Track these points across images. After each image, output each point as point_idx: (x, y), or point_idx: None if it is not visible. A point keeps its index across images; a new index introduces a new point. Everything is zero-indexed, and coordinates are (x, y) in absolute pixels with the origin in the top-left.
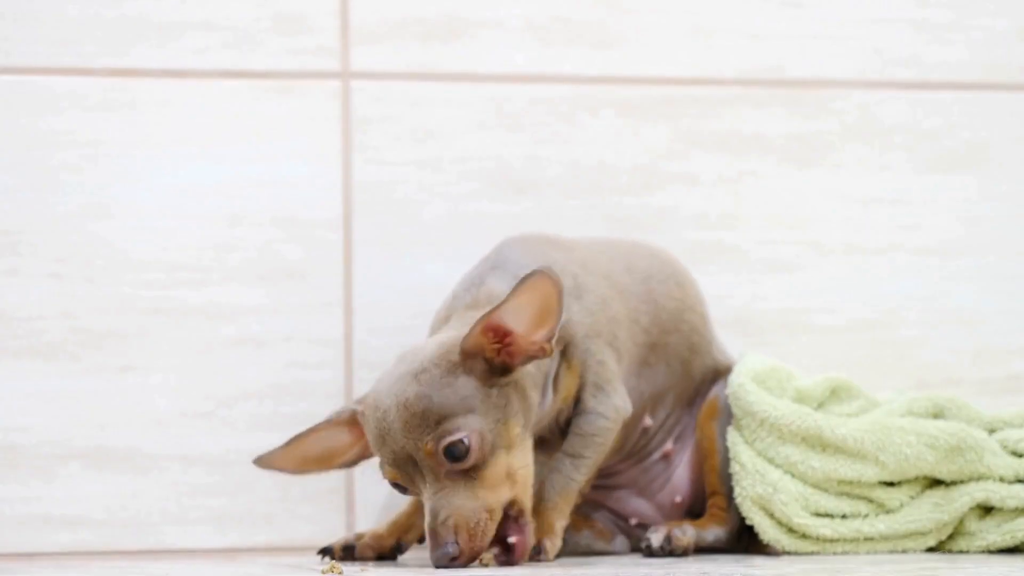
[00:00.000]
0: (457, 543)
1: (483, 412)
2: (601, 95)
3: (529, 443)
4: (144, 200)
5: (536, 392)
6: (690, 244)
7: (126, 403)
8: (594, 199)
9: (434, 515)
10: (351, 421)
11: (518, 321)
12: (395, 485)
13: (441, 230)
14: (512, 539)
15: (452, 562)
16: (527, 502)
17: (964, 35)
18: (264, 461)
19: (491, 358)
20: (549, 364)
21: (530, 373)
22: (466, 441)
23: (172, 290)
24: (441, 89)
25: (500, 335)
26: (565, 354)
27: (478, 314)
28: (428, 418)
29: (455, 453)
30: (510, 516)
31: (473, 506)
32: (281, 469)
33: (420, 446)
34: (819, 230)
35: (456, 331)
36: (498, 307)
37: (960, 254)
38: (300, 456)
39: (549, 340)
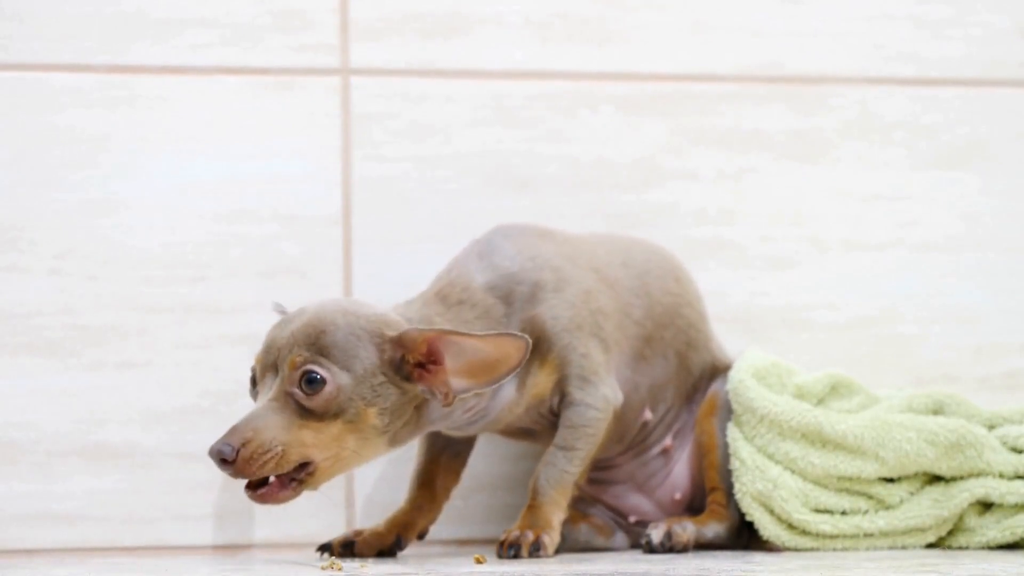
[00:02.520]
0: (236, 452)
1: (357, 382)
2: (600, 91)
3: (376, 444)
4: (144, 196)
5: (434, 415)
6: (689, 240)
7: (126, 399)
8: (593, 195)
9: (246, 417)
10: None
11: (458, 358)
12: (252, 377)
13: (441, 226)
14: (272, 479)
15: (222, 463)
16: (322, 477)
17: (963, 31)
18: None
19: (408, 361)
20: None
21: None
22: (327, 383)
23: (172, 286)
24: (441, 85)
25: (432, 357)
26: (536, 352)
27: (441, 310)
28: (317, 341)
29: (310, 380)
30: (295, 471)
31: (279, 435)
32: None
33: (291, 354)
34: (819, 226)
35: (412, 314)
36: (458, 336)
37: (960, 250)
38: None
39: (455, 395)
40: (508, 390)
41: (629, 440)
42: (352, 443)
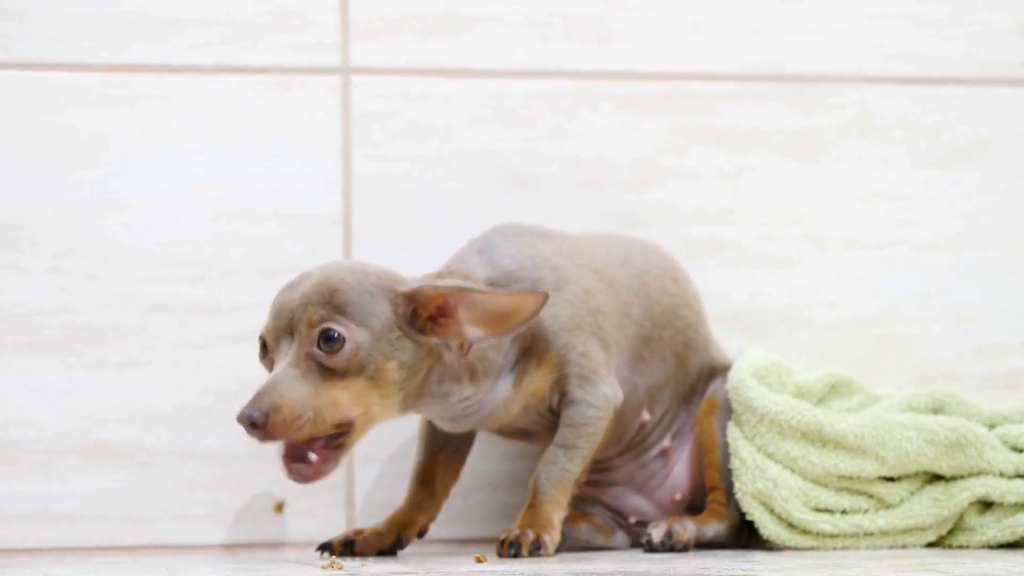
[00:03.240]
0: (266, 416)
1: (375, 338)
2: (600, 90)
3: (393, 401)
4: (144, 196)
5: (443, 384)
6: (689, 240)
7: (126, 398)
8: (593, 194)
9: (270, 382)
10: None
11: (472, 309)
12: (262, 345)
13: (441, 225)
14: (313, 456)
15: (251, 428)
16: (357, 436)
17: (963, 30)
18: None
19: (421, 315)
20: (502, 359)
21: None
22: (347, 340)
23: (172, 286)
24: (441, 84)
25: (445, 311)
26: (534, 350)
27: (449, 280)
28: (331, 300)
29: (328, 338)
30: (331, 436)
31: (308, 399)
32: None
33: (306, 314)
34: (818, 226)
35: (459, 275)
36: (472, 292)
37: (960, 250)
38: None
39: (471, 344)
40: (504, 386)
41: (627, 441)
42: (376, 399)
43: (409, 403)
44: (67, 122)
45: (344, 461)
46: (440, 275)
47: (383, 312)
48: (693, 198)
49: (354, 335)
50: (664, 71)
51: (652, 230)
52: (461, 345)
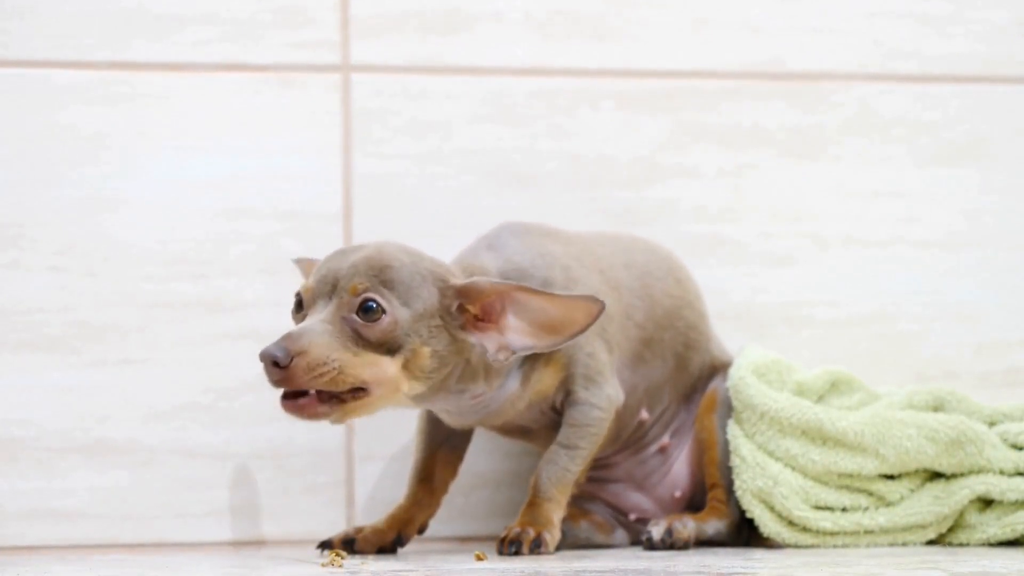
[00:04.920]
0: (291, 358)
1: (415, 319)
2: (601, 88)
3: (417, 389)
4: (144, 193)
5: (459, 371)
6: (690, 237)
7: (126, 396)
8: (594, 192)
9: (300, 328)
10: None
11: (521, 316)
12: (298, 302)
13: (441, 223)
14: (311, 392)
15: (272, 367)
16: (369, 407)
17: (964, 28)
18: (302, 263)
19: (467, 312)
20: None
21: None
22: (386, 314)
23: (173, 283)
24: (441, 82)
25: (491, 315)
26: None
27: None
28: (381, 274)
29: (368, 308)
30: (349, 392)
31: (336, 353)
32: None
33: (351, 282)
34: (819, 223)
35: (474, 268)
36: (528, 293)
37: (960, 247)
38: None
39: (513, 352)
40: (512, 383)
41: (625, 439)
42: (404, 383)
43: (428, 395)
44: (68, 120)
45: (335, 420)
46: (468, 271)
47: (429, 298)
48: (694, 196)
49: (394, 311)
50: (665, 69)
51: (653, 228)
52: (502, 351)
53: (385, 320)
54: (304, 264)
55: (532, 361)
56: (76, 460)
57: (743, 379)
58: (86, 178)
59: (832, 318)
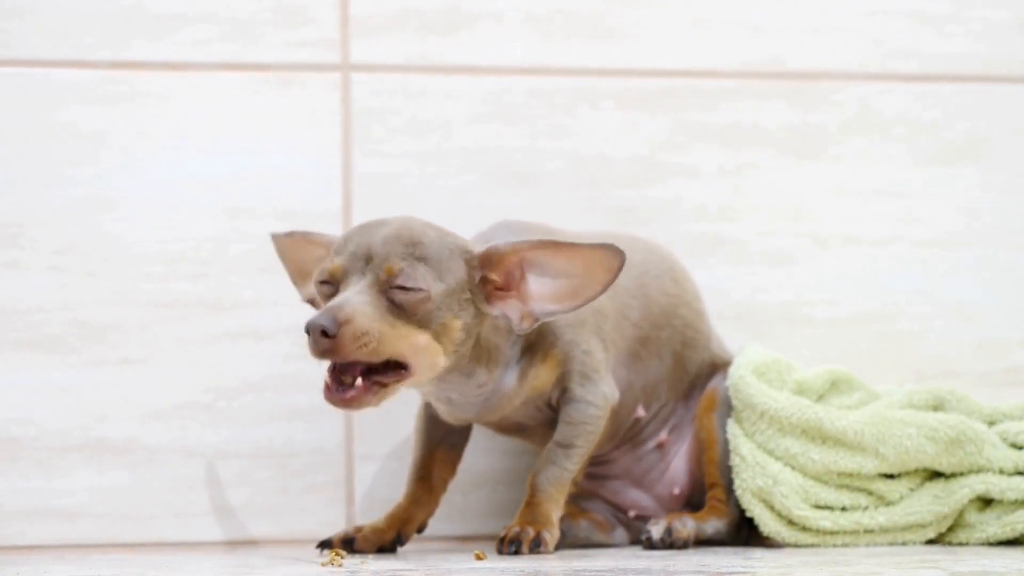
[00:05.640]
0: (338, 326)
1: (448, 293)
2: (600, 87)
3: (445, 363)
4: (144, 193)
5: (470, 348)
6: (690, 237)
7: (126, 396)
8: (594, 191)
9: (340, 299)
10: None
11: (542, 280)
12: (324, 281)
13: (441, 222)
14: (359, 383)
15: (321, 337)
16: (406, 380)
17: (964, 27)
18: (276, 238)
19: (490, 282)
20: (510, 351)
21: (489, 339)
22: (425, 288)
23: (172, 283)
24: (441, 81)
25: (509, 283)
26: (539, 344)
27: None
28: (414, 249)
29: (407, 282)
30: (379, 372)
31: (375, 323)
32: (280, 255)
33: (388, 261)
34: (819, 223)
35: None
36: (546, 248)
37: (960, 247)
38: (296, 257)
39: (537, 318)
40: (510, 378)
41: (621, 436)
42: (439, 355)
43: (450, 371)
44: (67, 119)
45: (382, 403)
46: None
47: (458, 271)
48: (693, 195)
49: (431, 285)
50: (664, 68)
51: (653, 227)
52: (526, 318)
53: (423, 294)
54: (282, 240)
55: (529, 356)
56: (76, 459)
57: (743, 378)
58: (86, 177)
59: (832, 317)
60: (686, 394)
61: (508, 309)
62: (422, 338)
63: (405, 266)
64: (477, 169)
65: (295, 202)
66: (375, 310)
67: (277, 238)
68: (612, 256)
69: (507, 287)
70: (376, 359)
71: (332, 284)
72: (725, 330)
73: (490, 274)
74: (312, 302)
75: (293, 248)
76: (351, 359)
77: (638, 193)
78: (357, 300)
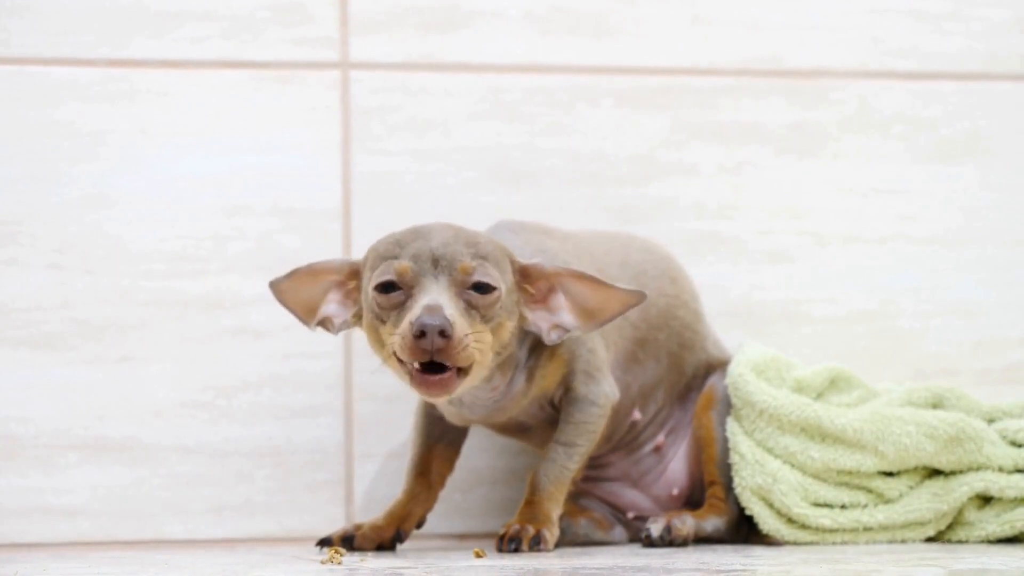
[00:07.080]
0: (452, 326)
1: (508, 294)
2: (600, 85)
3: (491, 364)
4: (143, 190)
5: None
6: (689, 234)
7: (125, 394)
8: (593, 189)
9: (433, 302)
10: (347, 276)
11: (575, 297)
12: (388, 285)
13: (440, 220)
14: (449, 367)
15: (440, 335)
16: (476, 372)
17: (963, 25)
18: (275, 285)
19: (527, 291)
20: (520, 353)
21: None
22: (497, 288)
23: (171, 281)
24: (440, 79)
25: (543, 294)
26: (545, 344)
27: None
28: (475, 248)
29: (483, 282)
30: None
31: (466, 327)
32: (283, 299)
33: (458, 260)
34: (818, 220)
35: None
36: (583, 277)
37: (959, 244)
38: (298, 297)
39: (565, 331)
40: (519, 381)
41: (617, 439)
42: (491, 355)
43: (498, 355)
44: (66, 117)
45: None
46: None
47: (509, 274)
48: (692, 193)
49: (500, 285)
50: (663, 66)
51: (651, 225)
52: (556, 330)
53: (495, 294)
54: (281, 284)
55: (536, 357)
56: (75, 457)
57: (742, 376)
58: (85, 175)
59: (831, 315)
60: (683, 396)
61: (538, 319)
62: (487, 337)
63: (476, 265)
64: (476, 167)
65: (294, 200)
66: (462, 312)
67: (276, 284)
68: (633, 296)
69: (543, 298)
70: (468, 362)
71: (401, 288)
72: (724, 327)
73: (527, 285)
74: (324, 325)
75: (293, 288)
76: (456, 363)
77: (637, 191)
78: (446, 301)
